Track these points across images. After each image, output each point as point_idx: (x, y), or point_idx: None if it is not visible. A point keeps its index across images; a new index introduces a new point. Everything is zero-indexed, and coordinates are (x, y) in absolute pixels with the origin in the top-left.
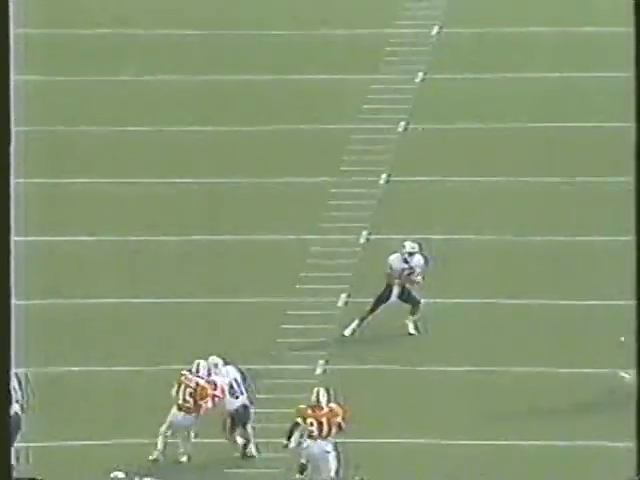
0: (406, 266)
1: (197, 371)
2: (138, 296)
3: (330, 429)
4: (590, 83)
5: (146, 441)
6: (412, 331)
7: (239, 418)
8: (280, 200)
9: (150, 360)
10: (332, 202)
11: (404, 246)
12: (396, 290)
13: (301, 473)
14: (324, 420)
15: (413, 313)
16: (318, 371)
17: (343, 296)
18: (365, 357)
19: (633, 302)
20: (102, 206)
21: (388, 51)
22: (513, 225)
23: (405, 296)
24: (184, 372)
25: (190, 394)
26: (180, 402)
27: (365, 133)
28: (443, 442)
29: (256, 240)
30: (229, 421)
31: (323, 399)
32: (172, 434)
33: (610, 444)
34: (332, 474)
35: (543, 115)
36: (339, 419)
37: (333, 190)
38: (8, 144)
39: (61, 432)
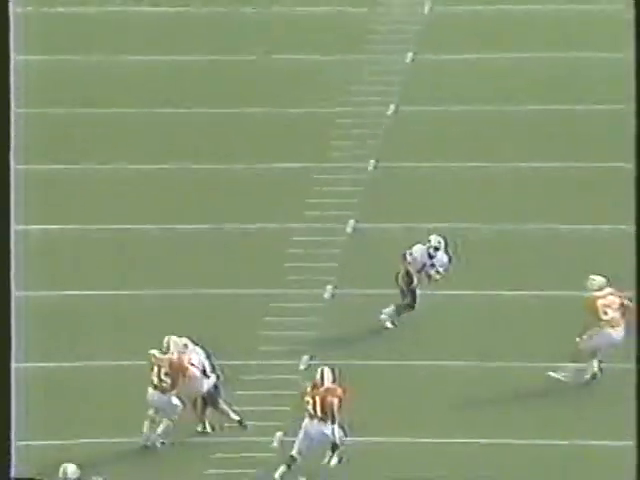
0: (429, 261)
1: (167, 348)
2: (125, 288)
3: (324, 409)
4: (590, 64)
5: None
6: (389, 325)
7: (211, 398)
8: (263, 187)
9: (131, 352)
10: (317, 189)
11: (429, 240)
12: (416, 280)
13: (288, 467)
14: (318, 398)
15: (399, 312)
16: (302, 366)
17: (329, 288)
18: (352, 352)
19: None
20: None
21: (377, 30)
22: (510, 213)
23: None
24: (154, 352)
25: (166, 373)
26: (156, 382)
27: (352, 117)
28: (435, 440)
29: (238, 229)
30: (200, 401)
31: (327, 378)
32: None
33: (611, 443)
34: (327, 462)
35: (542, 97)
36: (335, 399)
37: (318, 176)
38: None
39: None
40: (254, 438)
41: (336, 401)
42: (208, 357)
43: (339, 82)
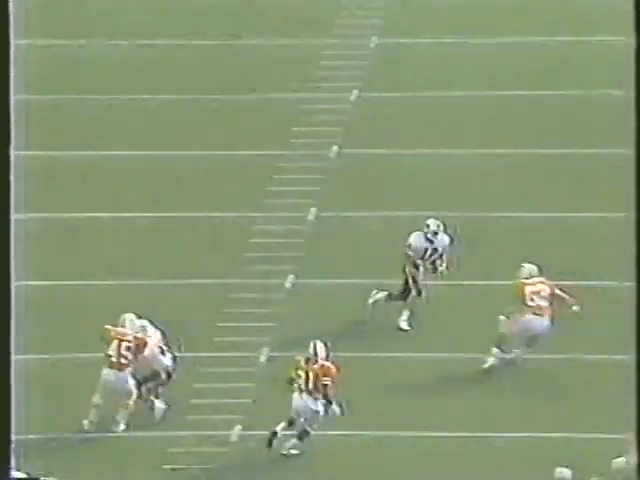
0: (429, 245)
1: (123, 326)
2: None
3: (316, 386)
4: (574, 47)
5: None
6: (405, 326)
7: (159, 380)
8: (222, 174)
9: None
10: (278, 177)
11: (427, 225)
12: (422, 269)
13: (289, 424)
14: (311, 374)
15: (393, 298)
16: (262, 359)
17: (291, 277)
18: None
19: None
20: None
21: (341, 14)
22: (480, 202)
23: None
24: (110, 327)
25: (127, 348)
26: (114, 359)
27: (315, 102)
28: (403, 433)
29: (196, 218)
30: (149, 384)
31: (320, 353)
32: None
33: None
34: (287, 446)
35: (513, 82)
36: (327, 379)
37: (280, 164)
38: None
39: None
40: (212, 432)
41: (327, 382)
42: (164, 335)
43: (302, 68)
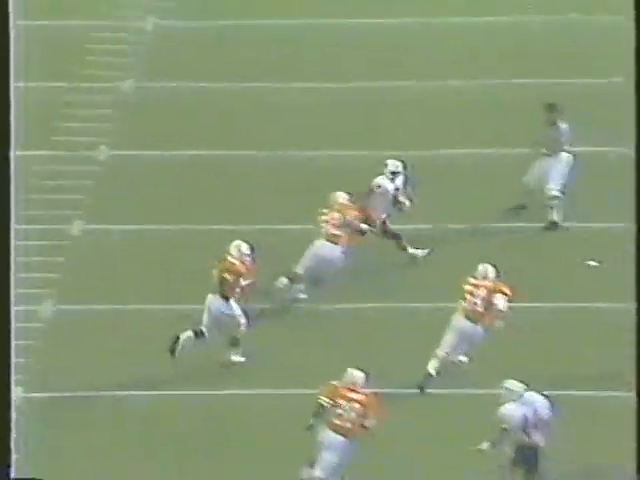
0: (393, 186)
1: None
2: None
3: (224, 284)
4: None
5: None
6: None
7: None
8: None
9: None
10: (67, 112)
11: (386, 164)
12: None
13: (195, 334)
14: (215, 271)
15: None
16: (47, 313)
17: (78, 223)
18: (100, 294)
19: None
20: None
21: None
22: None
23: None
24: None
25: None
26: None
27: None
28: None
29: None
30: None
31: (235, 252)
32: None
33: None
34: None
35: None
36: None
37: (67, 98)
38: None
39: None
40: None
41: (240, 279)
42: None
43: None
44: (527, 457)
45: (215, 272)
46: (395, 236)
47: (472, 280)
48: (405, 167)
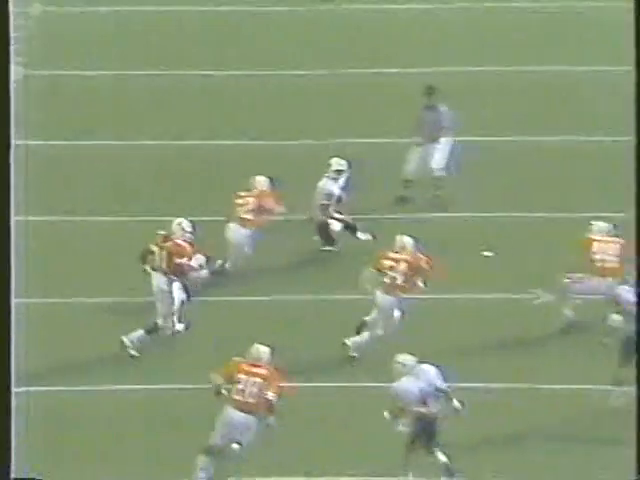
0: (335, 185)
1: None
2: None
3: (170, 263)
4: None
5: None
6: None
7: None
8: None
9: None
10: None
11: (329, 164)
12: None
13: (148, 332)
14: (165, 252)
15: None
16: None
17: None
18: None
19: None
20: None
21: None
22: None
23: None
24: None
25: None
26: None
27: None
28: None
29: None
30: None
31: (177, 230)
32: None
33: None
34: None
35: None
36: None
37: None
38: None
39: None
40: None
41: (184, 260)
42: None
43: None
44: (426, 427)
45: (156, 249)
46: (342, 221)
47: (391, 254)
48: (350, 165)
